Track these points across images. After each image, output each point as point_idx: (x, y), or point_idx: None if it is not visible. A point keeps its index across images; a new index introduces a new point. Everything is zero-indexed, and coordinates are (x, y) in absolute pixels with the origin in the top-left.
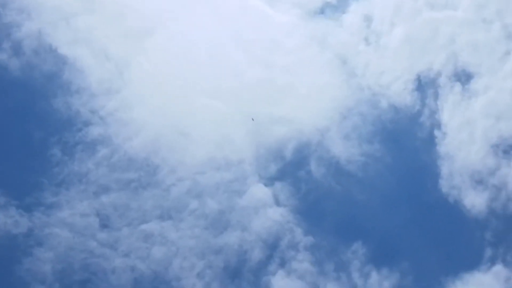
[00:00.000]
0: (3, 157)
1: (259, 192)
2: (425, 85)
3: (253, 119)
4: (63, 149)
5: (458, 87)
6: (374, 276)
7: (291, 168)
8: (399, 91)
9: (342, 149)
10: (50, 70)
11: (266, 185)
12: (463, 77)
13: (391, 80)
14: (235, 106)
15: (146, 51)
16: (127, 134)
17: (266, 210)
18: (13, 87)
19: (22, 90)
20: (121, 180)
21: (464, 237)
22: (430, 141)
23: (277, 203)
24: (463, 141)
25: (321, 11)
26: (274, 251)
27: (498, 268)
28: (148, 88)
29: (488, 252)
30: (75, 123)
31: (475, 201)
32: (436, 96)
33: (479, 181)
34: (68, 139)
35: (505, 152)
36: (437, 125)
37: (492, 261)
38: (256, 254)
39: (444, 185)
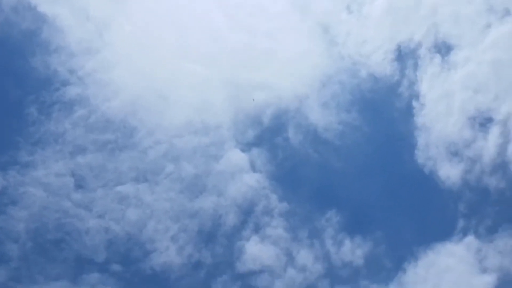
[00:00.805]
0: None
1: (236, 157)
2: (405, 56)
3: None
4: (40, 108)
5: (438, 58)
6: (347, 244)
7: (269, 134)
8: (379, 61)
9: (320, 117)
10: (29, 28)
11: (243, 150)
12: (443, 49)
13: (372, 50)
14: (215, 70)
15: (127, 12)
16: (105, 95)
17: (242, 176)
18: None
19: (0, 48)
20: (97, 141)
21: (437, 208)
22: (408, 112)
23: (254, 169)
24: (440, 112)
25: None
26: (249, 216)
27: (470, 239)
28: (128, 50)
29: (461, 223)
30: (53, 82)
31: (450, 172)
32: (415, 67)
33: (454, 153)
34: (45, 99)
35: (482, 125)
36: (416, 96)
37: (464, 232)
38: (231, 219)
39: (420, 156)
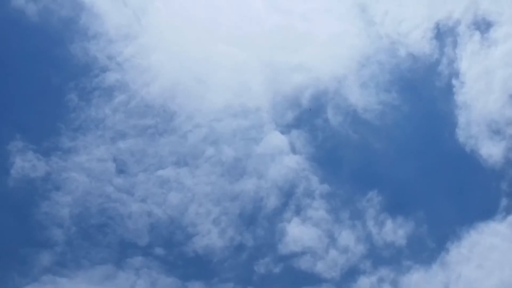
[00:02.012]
0: (21, 102)
1: (276, 139)
2: (444, 34)
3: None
4: (80, 95)
5: (477, 36)
6: (389, 225)
7: (308, 116)
8: (417, 40)
9: (359, 98)
10: (67, 15)
11: (282, 132)
12: (483, 26)
13: (410, 29)
14: (252, 53)
15: None
16: (144, 80)
17: (282, 158)
18: (30, 32)
19: (39, 36)
20: (137, 126)
21: (479, 187)
22: (448, 90)
23: (293, 150)
24: (481, 90)
25: None
26: (290, 198)
27: None
28: (166, 34)
29: (504, 201)
30: (92, 68)
31: (491, 151)
32: (455, 45)
33: (496, 131)
34: (85, 85)
35: None
36: (455, 74)
37: (508, 211)
38: (272, 202)
39: (461, 135)
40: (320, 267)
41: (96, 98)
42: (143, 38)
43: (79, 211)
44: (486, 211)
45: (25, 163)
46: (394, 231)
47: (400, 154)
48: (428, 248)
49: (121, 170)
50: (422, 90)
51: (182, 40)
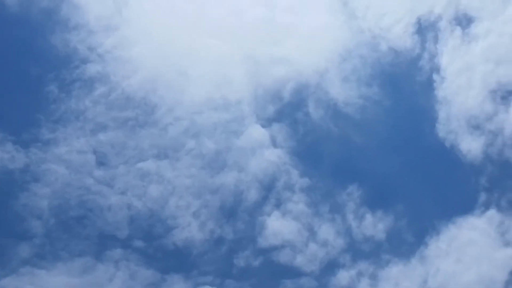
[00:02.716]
0: (0, 93)
1: (257, 133)
2: (425, 29)
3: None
4: (60, 86)
5: (458, 31)
6: (369, 218)
7: (289, 109)
8: (399, 34)
9: (341, 91)
10: (47, 5)
11: (263, 126)
12: (464, 21)
13: (392, 23)
14: (234, 45)
15: None
16: (125, 72)
17: (263, 151)
18: (10, 22)
19: (19, 26)
20: (118, 118)
21: (459, 182)
22: (429, 85)
23: (274, 144)
24: (461, 85)
25: None
26: (270, 192)
27: (492, 212)
28: (147, 26)
29: (483, 196)
30: (72, 60)
31: (471, 146)
32: (436, 40)
33: (476, 126)
34: (65, 76)
35: (503, 98)
36: (436, 69)
37: (486, 206)
38: (252, 195)
39: (441, 130)
40: (300, 261)
41: (77, 90)
42: (124, 30)
43: (58, 203)
44: (465, 206)
45: (4, 154)
46: (374, 225)
47: (381, 149)
48: (407, 242)
49: (101, 162)
50: (403, 84)
51: (164, 32)
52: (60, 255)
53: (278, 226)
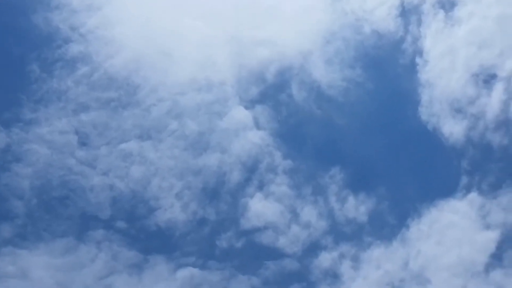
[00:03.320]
0: None
1: (240, 114)
2: (408, 12)
3: None
4: (41, 66)
5: (441, 14)
6: (351, 201)
7: (272, 91)
8: (382, 17)
9: (324, 74)
10: None
11: (246, 107)
12: (447, 4)
13: (375, 5)
14: (217, 27)
15: None
16: (107, 53)
17: (246, 133)
18: None
19: (0, 5)
20: (100, 99)
21: (441, 165)
22: (412, 68)
23: (257, 126)
24: (444, 69)
25: None
26: (253, 173)
27: (473, 195)
28: (130, 6)
29: (464, 179)
30: (54, 39)
31: (453, 129)
32: (419, 23)
33: (458, 110)
34: (47, 56)
35: (485, 81)
36: (419, 52)
37: (468, 189)
38: (235, 176)
39: (423, 113)
40: (282, 242)
41: (59, 70)
42: (107, 9)
43: (40, 183)
44: (446, 189)
45: None
46: (356, 208)
47: (363, 131)
48: (389, 224)
49: (83, 143)
50: (386, 67)
51: (147, 12)
52: (42, 236)
53: (260, 208)
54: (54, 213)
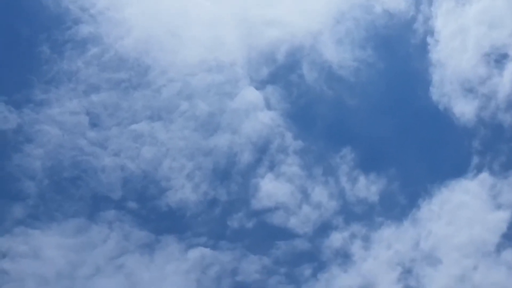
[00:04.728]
0: None
1: (250, 95)
2: None
3: None
4: (52, 47)
5: None
6: (362, 181)
7: (283, 71)
8: None
9: (335, 54)
10: None
11: (257, 88)
12: None
13: None
14: (227, 7)
15: None
16: (118, 34)
17: (257, 114)
18: None
19: None
20: (111, 80)
21: (452, 145)
22: (423, 48)
23: (268, 106)
24: (455, 49)
25: None
26: (264, 154)
27: (484, 175)
28: None
29: (475, 160)
30: (64, 20)
31: (464, 109)
32: (430, 2)
33: (469, 90)
34: (57, 37)
35: (497, 61)
36: (430, 32)
37: (479, 169)
38: (246, 157)
39: (434, 93)
40: (293, 223)
41: (69, 51)
42: None
43: (52, 164)
44: (457, 169)
45: None
46: (367, 188)
47: (374, 111)
48: (400, 204)
49: (94, 124)
50: (397, 47)
51: None
52: (54, 216)
53: (271, 188)
54: (66, 194)
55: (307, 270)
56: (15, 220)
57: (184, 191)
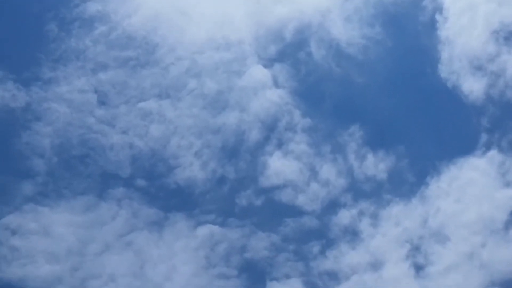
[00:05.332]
0: (0, 31)
1: (258, 73)
2: None
3: None
4: (59, 25)
5: None
6: (370, 159)
7: (291, 49)
8: None
9: (343, 31)
10: None
11: (265, 66)
12: None
13: None
14: None
15: None
16: (125, 12)
17: (265, 91)
18: None
19: None
20: (119, 58)
21: (460, 122)
22: (431, 25)
23: (276, 84)
24: (464, 26)
25: None
26: (272, 132)
27: (493, 153)
28: None
29: (484, 137)
30: None
31: (473, 87)
32: None
33: (478, 67)
34: (65, 15)
35: (506, 38)
36: (439, 9)
37: (487, 147)
38: (254, 135)
39: (443, 70)
40: (301, 200)
41: (77, 29)
42: None
43: (60, 141)
44: (466, 147)
45: (5, 93)
46: (375, 165)
47: (383, 89)
48: (408, 182)
49: (102, 102)
50: (406, 25)
51: None
52: (63, 193)
53: (279, 166)
54: (75, 171)
55: (315, 247)
56: (24, 197)
57: (192, 169)
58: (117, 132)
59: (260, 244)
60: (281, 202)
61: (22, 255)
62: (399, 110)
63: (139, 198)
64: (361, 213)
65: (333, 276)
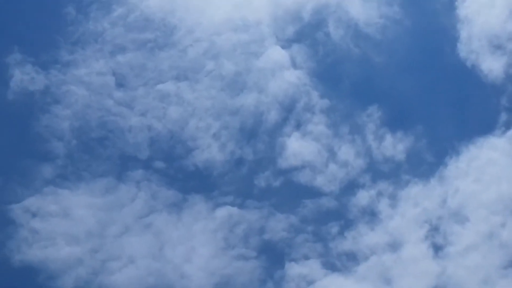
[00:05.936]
0: (18, 15)
1: (276, 54)
2: None
3: None
4: (77, 8)
5: None
6: (389, 139)
7: (309, 30)
8: None
9: (361, 11)
10: None
11: (283, 47)
12: None
13: None
14: None
15: None
16: None
17: (283, 72)
18: None
19: None
20: (137, 40)
21: (479, 102)
22: (450, 4)
23: (294, 65)
24: (483, 4)
25: None
26: (290, 113)
27: None
28: None
29: (503, 117)
30: None
31: (492, 66)
32: None
33: (497, 46)
34: None
35: None
36: None
37: (507, 126)
38: (272, 116)
39: (462, 49)
40: (320, 181)
41: (94, 12)
42: None
43: (79, 124)
44: (485, 126)
45: (24, 76)
46: (394, 146)
47: (401, 69)
48: (427, 162)
49: (120, 84)
50: (424, 4)
51: None
52: (83, 176)
53: (298, 147)
54: (94, 154)
55: (334, 228)
56: (44, 180)
57: (210, 151)
58: (135, 114)
59: (278, 226)
60: (299, 183)
61: (42, 237)
62: (418, 90)
63: (157, 180)
64: (379, 194)
65: (352, 257)
